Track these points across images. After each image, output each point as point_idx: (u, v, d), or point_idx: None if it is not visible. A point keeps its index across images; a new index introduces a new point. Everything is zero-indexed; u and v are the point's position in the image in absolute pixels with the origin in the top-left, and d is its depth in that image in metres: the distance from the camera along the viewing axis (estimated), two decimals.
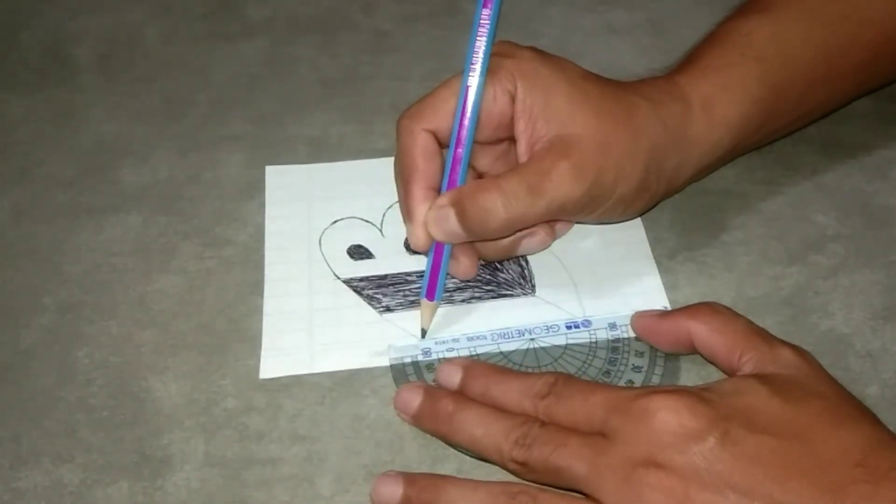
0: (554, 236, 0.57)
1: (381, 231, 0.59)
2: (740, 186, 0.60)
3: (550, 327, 0.53)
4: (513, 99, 0.53)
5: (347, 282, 0.56)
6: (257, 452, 0.49)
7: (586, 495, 0.44)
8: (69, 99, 0.69)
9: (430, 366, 0.51)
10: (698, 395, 0.44)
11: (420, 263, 0.57)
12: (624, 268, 0.56)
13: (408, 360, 0.52)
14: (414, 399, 0.49)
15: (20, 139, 0.67)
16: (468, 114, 0.52)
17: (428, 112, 0.53)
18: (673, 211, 0.59)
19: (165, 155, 0.65)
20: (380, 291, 0.56)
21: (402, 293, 0.55)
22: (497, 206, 0.51)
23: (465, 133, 0.52)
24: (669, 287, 0.56)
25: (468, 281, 0.56)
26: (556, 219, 0.55)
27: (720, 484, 0.41)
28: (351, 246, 0.58)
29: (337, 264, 0.57)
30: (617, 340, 0.53)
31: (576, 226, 0.58)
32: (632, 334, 0.53)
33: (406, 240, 0.58)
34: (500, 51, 0.53)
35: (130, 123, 0.67)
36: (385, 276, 0.56)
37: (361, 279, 0.56)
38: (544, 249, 0.57)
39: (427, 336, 0.53)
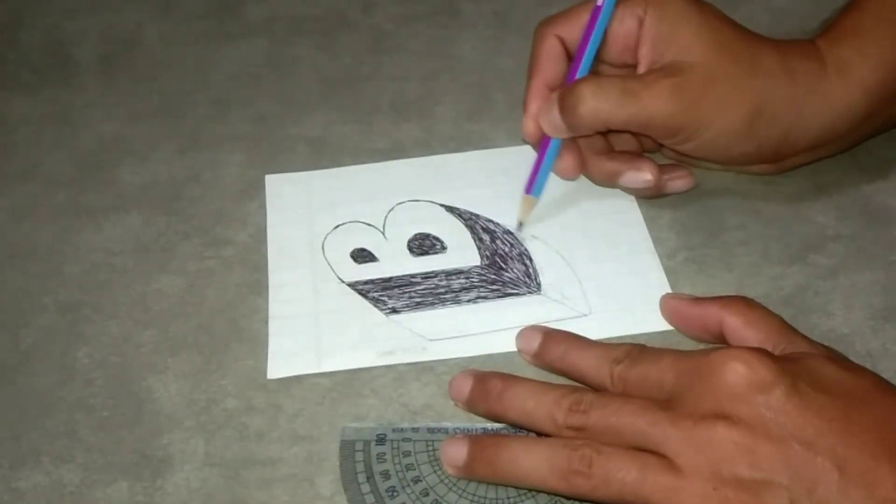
0: (662, 184, 0.58)
1: (383, 234, 0.59)
2: (740, 186, 0.60)
3: None
4: (641, 23, 0.55)
5: (352, 285, 0.56)
6: (257, 452, 0.49)
7: (650, 452, 0.43)
8: (69, 99, 0.69)
9: (382, 455, 0.48)
10: (764, 351, 0.44)
11: (423, 265, 0.57)
12: (628, 264, 0.56)
13: (359, 444, 0.49)
14: (465, 385, 0.49)
15: (20, 139, 0.67)
16: (595, 27, 0.56)
17: (561, 20, 0.58)
18: (673, 211, 0.59)
19: (165, 155, 0.65)
20: (385, 294, 0.56)
21: (407, 294, 0.55)
22: (588, 94, 0.54)
23: (588, 44, 0.56)
24: (670, 287, 0.55)
25: (472, 279, 0.56)
26: (645, 133, 0.56)
27: (786, 435, 0.41)
28: (354, 249, 0.58)
29: (341, 268, 0.57)
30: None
31: (576, 223, 0.58)
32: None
33: (409, 241, 0.58)
34: None
35: (130, 123, 0.67)
36: (390, 279, 0.56)
37: (366, 282, 0.56)
38: (650, 195, 0.58)
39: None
